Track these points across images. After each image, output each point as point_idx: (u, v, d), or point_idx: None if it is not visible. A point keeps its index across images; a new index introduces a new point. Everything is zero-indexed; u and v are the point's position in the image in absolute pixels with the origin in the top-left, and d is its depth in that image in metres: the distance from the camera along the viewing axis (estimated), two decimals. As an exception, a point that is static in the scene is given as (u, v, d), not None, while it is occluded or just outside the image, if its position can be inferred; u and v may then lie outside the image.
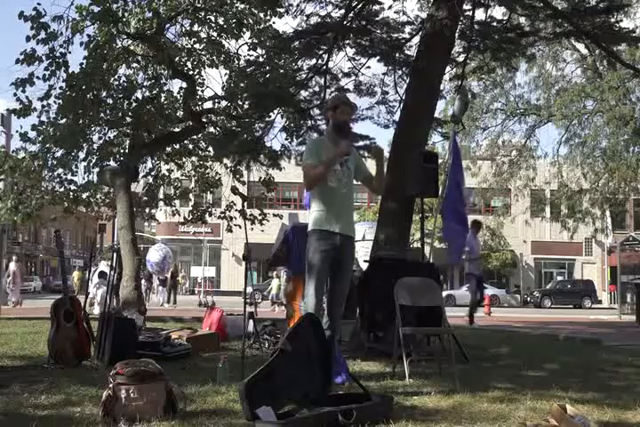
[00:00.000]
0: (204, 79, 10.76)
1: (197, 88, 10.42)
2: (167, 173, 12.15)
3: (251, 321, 6.71)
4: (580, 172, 23.17)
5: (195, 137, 11.34)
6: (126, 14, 8.77)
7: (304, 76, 10.11)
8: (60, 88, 8.50)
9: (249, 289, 6.64)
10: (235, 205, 11.30)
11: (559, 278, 37.68)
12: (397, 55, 9.81)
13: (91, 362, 5.27)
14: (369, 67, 10.43)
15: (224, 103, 10.79)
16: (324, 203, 4.28)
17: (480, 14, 8.88)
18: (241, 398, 3.15)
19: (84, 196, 11.09)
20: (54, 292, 33.81)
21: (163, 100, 10.51)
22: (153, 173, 11.91)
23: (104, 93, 9.33)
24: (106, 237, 51.17)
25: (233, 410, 3.48)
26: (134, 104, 9.71)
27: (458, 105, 8.02)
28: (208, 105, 10.98)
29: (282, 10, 9.33)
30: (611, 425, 3.40)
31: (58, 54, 8.12)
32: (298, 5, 9.47)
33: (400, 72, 10.01)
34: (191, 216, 12.50)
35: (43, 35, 7.92)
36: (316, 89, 10.27)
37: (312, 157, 4.32)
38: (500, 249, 37.06)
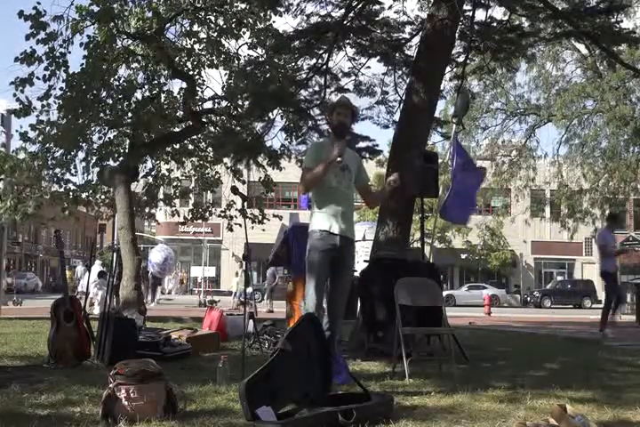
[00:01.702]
0: (204, 79, 10.77)
1: (197, 88, 10.42)
2: (167, 173, 12.16)
3: (251, 321, 6.72)
4: (579, 172, 23.17)
5: (195, 137, 11.34)
6: (126, 14, 8.79)
7: (304, 75, 10.09)
8: (60, 88, 8.51)
9: (249, 289, 6.66)
10: (235, 204, 11.31)
11: (559, 278, 37.67)
12: (397, 55, 9.80)
13: (91, 362, 5.26)
14: (369, 67, 10.39)
15: (224, 103, 10.79)
16: (325, 204, 4.32)
17: (480, 14, 8.87)
18: (241, 398, 3.15)
19: (84, 195, 11.10)
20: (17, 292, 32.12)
21: (163, 100, 10.52)
22: (153, 173, 11.91)
23: (104, 93, 9.33)
24: (106, 237, 51.19)
25: (233, 410, 3.48)
26: (134, 104, 9.71)
27: (459, 105, 8.01)
28: (208, 105, 11.00)
29: (282, 9, 9.31)
30: (611, 425, 3.40)
31: (58, 54, 8.13)
32: (298, 5, 9.45)
33: (400, 72, 10.00)
34: (191, 215, 12.50)
35: (42, 34, 7.93)
36: (316, 89, 10.25)
37: (311, 160, 4.36)
38: (500, 249, 37.07)
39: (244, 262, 5.27)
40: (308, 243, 4.31)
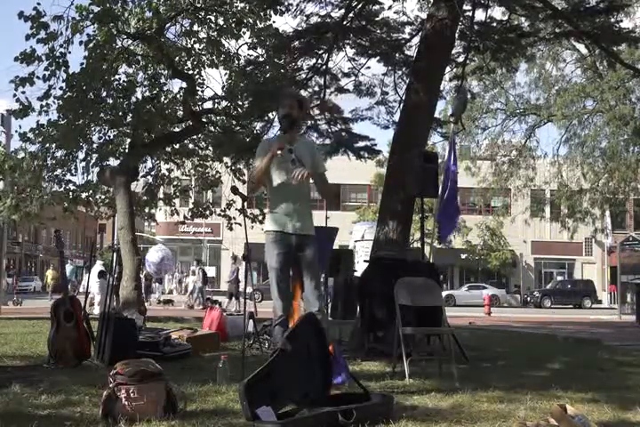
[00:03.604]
0: (204, 79, 10.76)
1: (197, 88, 10.41)
2: (167, 173, 12.15)
3: (251, 321, 6.72)
4: (579, 172, 23.18)
5: (195, 137, 11.33)
6: (126, 14, 8.77)
7: (304, 75, 10.10)
8: (60, 88, 8.50)
9: (249, 289, 6.66)
10: (235, 203, 11.30)
11: (559, 278, 37.65)
12: (397, 55, 9.80)
13: (91, 362, 5.27)
14: (369, 67, 10.40)
15: (224, 103, 10.78)
16: (278, 203, 4.16)
17: (480, 14, 8.87)
18: (241, 398, 3.15)
19: (84, 195, 11.09)
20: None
21: (163, 100, 10.50)
22: (153, 173, 11.90)
23: (104, 93, 9.32)
24: (106, 237, 51.16)
25: (233, 410, 3.48)
26: (134, 104, 9.70)
27: (456, 104, 8.02)
28: (208, 105, 10.98)
29: (282, 8, 9.32)
30: (611, 425, 3.40)
31: (58, 54, 8.12)
32: (298, 5, 9.46)
33: (400, 72, 10.01)
34: (191, 214, 12.49)
35: (43, 34, 7.91)
36: (316, 89, 10.26)
37: (256, 159, 4.20)
38: (500, 249, 37.04)
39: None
40: (265, 245, 4.15)
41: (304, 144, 4.42)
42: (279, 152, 4.06)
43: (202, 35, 10.19)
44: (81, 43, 8.51)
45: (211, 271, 34.36)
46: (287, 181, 4.11)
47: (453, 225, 7.82)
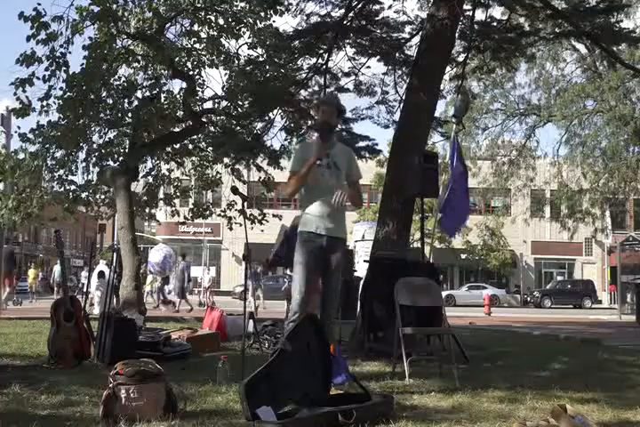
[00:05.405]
0: (204, 79, 10.77)
1: (197, 88, 10.41)
2: (167, 173, 12.16)
3: (251, 321, 6.72)
4: (579, 172, 23.19)
5: (195, 137, 11.34)
6: (126, 14, 8.77)
7: (304, 75, 10.11)
8: (61, 88, 8.50)
9: (247, 288, 6.64)
10: (235, 203, 11.31)
11: (559, 278, 37.65)
12: (397, 55, 9.82)
13: (91, 362, 5.27)
14: (369, 67, 10.41)
15: (224, 103, 10.79)
16: (312, 205, 4.25)
17: (480, 14, 8.89)
18: (241, 399, 3.15)
19: (84, 195, 11.09)
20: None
21: (163, 100, 10.51)
22: (153, 173, 11.90)
23: (104, 93, 9.32)
24: (106, 237, 51.12)
25: (233, 410, 3.48)
26: (134, 104, 9.70)
27: (459, 105, 8.01)
28: (208, 105, 10.99)
29: (282, 8, 9.33)
30: (611, 425, 3.40)
31: (58, 55, 8.11)
32: (298, 4, 9.48)
33: (400, 72, 10.02)
34: (191, 214, 12.50)
35: (43, 35, 7.91)
36: (316, 88, 10.27)
37: (295, 164, 4.28)
38: (500, 249, 37.03)
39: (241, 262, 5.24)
40: (296, 244, 4.26)
41: (341, 150, 4.50)
42: (318, 162, 4.17)
43: (202, 35, 10.19)
44: (83, 47, 8.51)
45: (210, 271, 34.36)
46: (323, 185, 4.19)
47: (461, 219, 7.65)
